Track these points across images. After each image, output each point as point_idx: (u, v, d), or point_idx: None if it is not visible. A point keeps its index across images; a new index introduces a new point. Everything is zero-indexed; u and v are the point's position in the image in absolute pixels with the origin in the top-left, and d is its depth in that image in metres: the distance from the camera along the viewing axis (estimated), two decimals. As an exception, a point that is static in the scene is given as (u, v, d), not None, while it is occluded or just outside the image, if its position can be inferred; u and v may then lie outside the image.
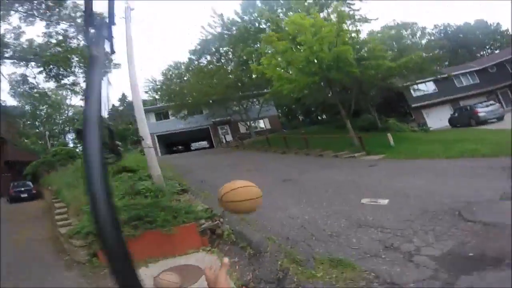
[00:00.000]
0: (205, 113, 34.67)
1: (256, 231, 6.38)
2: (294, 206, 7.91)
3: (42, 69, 24.90)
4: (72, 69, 26.39)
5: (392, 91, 26.77)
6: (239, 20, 29.87)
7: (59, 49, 23.51)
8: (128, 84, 10.27)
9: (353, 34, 17.50)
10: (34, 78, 25.39)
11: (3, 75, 24.28)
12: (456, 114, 26.81)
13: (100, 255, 6.43)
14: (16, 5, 20.40)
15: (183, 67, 39.12)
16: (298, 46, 16.75)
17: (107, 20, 1.07)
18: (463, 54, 47.86)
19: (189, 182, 12.00)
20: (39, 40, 23.24)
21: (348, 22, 17.63)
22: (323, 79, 17.56)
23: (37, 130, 42.86)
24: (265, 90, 28.07)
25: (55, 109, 44.53)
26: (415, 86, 28.88)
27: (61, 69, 25.46)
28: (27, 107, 35.91)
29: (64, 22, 22.37)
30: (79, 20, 23.50)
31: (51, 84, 27.42)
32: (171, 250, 6.31)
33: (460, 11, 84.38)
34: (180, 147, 42.34)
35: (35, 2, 20.93)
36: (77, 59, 25.18)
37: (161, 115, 36.66)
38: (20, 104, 33.62)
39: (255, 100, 33.69)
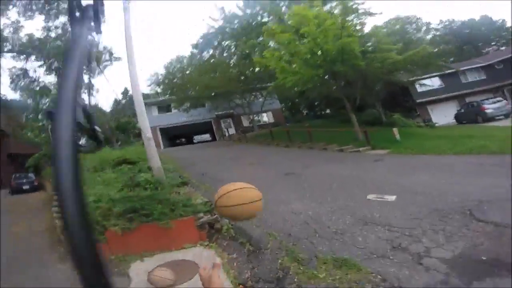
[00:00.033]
0: (207, 106, 34.47)
1: (256, 226, 6.10)
2: (297, 201, 7.62)
3: (42, 62, 24.86)
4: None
5: (397, 86, 26.50)
6: (240, 13, 29.62)
7: (59, 42, 23.47)
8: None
9: (357, 27, 17.12)
10: (35, 72, 25.37)
11: (2, 68, 24.25)
12: (463, 110, 26.54)
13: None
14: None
15: (185, 61, 38.84)
16: (302, 39, 16.41)
17: None
18: (468, 50, 47.14)
19: (190, 175, 11.90)
20: (39, 34, 23.20)
21: (352, 16, 17.29)
22: (327, 72, 17.22)
23: (40, 124, 42.87)
24: (268, 84, 27.88)
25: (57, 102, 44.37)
26: (421, 81, 28.53)
27: (62, 63, 25.45)
28: (30, 101, 35.82)
29: (63, 15, 22.29)
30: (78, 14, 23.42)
31: (53, 78, 27.49)
32: (168, 244, 6.06)
33: (464, 8, 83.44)
34: (182, 140, 42.41)
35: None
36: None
37: (163, 108, 36.54)
38: (22, 98, 33.64)
39: (258, 93, 33.45)
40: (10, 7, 20.30)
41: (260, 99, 33.36)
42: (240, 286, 4.54)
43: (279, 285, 4.41)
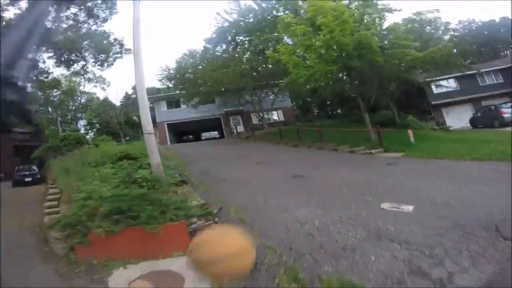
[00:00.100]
0: (217, 102, 34.07)
1: (254, 236, 5.45)
2: (303, 207, 6.90)
3: (52, 54, 24.72)
4: (83, 54, 26.25)
5: (413, 86, 25.68)
6: (256, 7, 28.96)
7: (70, 33, 23.33)
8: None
9: (376, 21, 16.36)
10: (44, 63, 25.24)
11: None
12: (479, 114, 25.63)
13: (76, 249, 5.72)
14: (25, -11, 20.01)
15: (198, 55, 38.37)
16: (317, 32, 15.72)
17: None
18: (487, 52, 45.73)
19: (191, 173, 11.38)
20: (49, 25, 23.07)
21: (371, 10, 16.56)
22: (342, 68, 16.55)
23: (49, 116, 43.07)
24: (281, 81, 27.36)
25: (68, 95, 44.69)
26: (437, 82, 27.62)
27: (72, 55, 25.32)
28: (40, 93, 35.88)
29: (74, 6, 22.10)
30: (89, 4, 23.18)
31: (63, 70, 27.33)
32: (155, 250, 5.45)
33: (484, 8, 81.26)
34: (190, 136, 42.23)
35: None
36: (86, 42, 24.90)
37: (172, 103, 36.24)
38: (31, 90, 33.62)
39: (269, 90, 32.95)
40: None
41: (271, 97, 32.87)
42: None
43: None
